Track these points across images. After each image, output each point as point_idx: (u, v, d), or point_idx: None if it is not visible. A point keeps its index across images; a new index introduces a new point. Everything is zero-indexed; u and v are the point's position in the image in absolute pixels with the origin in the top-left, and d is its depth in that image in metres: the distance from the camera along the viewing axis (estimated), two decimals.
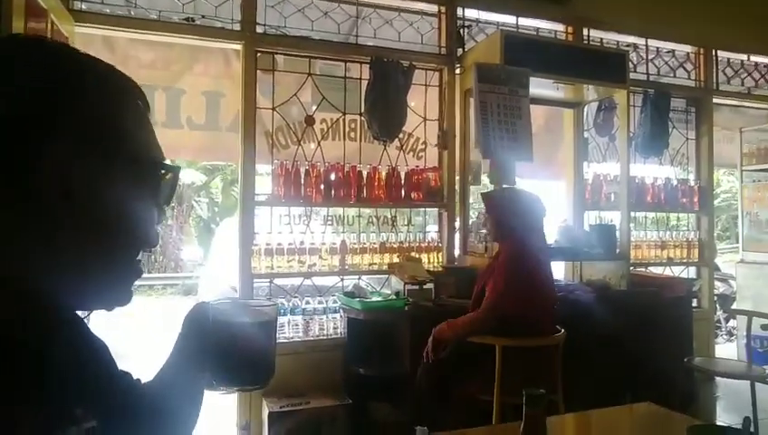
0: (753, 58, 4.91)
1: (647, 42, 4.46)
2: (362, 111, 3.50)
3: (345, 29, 3.62)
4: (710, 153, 4.61)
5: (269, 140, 3.38)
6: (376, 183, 3.50)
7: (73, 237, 0.56)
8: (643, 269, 4.21)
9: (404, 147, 3.67)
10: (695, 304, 4.28)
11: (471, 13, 3.88)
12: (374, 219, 3.60)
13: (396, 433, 2.76)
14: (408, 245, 3.57)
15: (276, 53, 3.41)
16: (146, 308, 8.56)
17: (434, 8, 3.80)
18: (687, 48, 4.65)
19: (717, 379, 3.75)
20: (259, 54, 3.33)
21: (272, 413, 2.87)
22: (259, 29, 3.34)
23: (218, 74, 3.49)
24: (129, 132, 0.61)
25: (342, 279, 3.50)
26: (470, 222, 3.72)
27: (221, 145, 3.56)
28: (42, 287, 0.55)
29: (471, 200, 3.89)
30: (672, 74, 4.61)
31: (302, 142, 3.45)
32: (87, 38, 3.00)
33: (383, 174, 3.53)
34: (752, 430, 1.32)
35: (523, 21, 4.02)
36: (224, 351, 0.79)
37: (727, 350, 5.11)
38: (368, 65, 3.46)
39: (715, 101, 4.71)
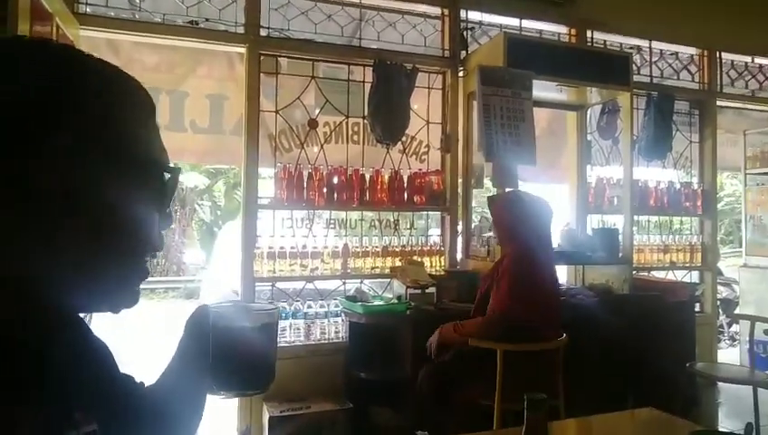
0: (758, 60, 4.89)
1: (650, 44, 4.45)
2: (365, 114, 3.50)
3: (348, 32, 3.62)
4: (713, 156, 4.60)
5: (272, 144, 3.38)
6: (378, 186, 3.50)
7: (74, 238, 0.56)
8: (646, 273, 4.20)
9: (407, 150, 3.68)
10: (697, 308, 4.26)
11: (474, 15, 3.87)
12: (376, 223, 3.61)
13: None
14: (411, 248, 3.57)
15: (280, 56, 3.42)
16: (148, 311, 8.57)
17: (437, 11, 3.80)
18: (691, 50, 4.64)
19: (720, 384, 3.73)
20: (262, 57, 3.33)
21: (272, 418, 2.87)
22: (263, 32, 3.34)
23: (222, 77, 3.50)
24: (133, 134, 0.61)
25: (344, 283, 3.50)
26: (472, 226, 3.72)
27: (224, 148, 3.57)
28: (42, 288, 0.55)
29: (474, 204, 3.89)
30: (676, 77, 4.60)
31: (305, 145, 3.45)
32: (91, 41, 3.01)
33: (386, 177, 3.53)
34: None
35: (527, 23, 4.02)
36: (223, 355, 0.79)
37: (730, 355, 5.09)
38: (371, 68, 3.46)
39: (718, 103, 4.69)
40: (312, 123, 3.47)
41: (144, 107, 0.65)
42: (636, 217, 4.08)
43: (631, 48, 4.35)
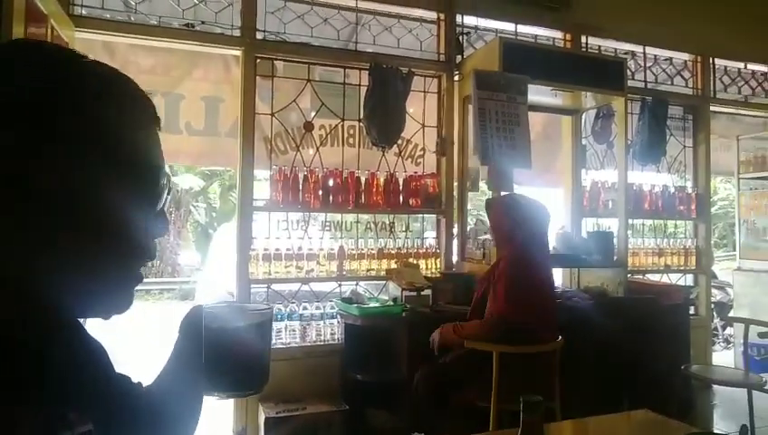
0: (751, 66, 4.93)
1: (644, 49, 4.49)
2: (361, 117, 3.50)
3: (344, 35, 3.63)
4: (707, 161, 4.63)
5: (268, 146, 3.38)
6: (374, 189, 3.51)
7: (74, 239, 0.55)
8: (640, 276, 4.22)
9: (402, 153, 3.68)
10: (692, 311, 4.28)
11: (470, 20, 3.89)
12: (372, 225, 3.60)
13: None
14: (406, 251, 3.57)
15: (276, 60, 3.42)
16: (143, 313, 8.52)
17: (433, 15, 3.82)
18: (685, 56, 4.68)
19: (714, 387, 3.74)
20: (258, 60, 3.34)
21: (268, 419, 2.86)
22: (259, 35, 3.35)
23: (218, 80, 3.50)
24: (132, 137, 0.61)
25: (340, 285, 3.50)
26: (468, 228, 3.73)
27: (220, 150, 3.57)
28: (41, 288, 0.54)
29: (469, 207, 3.89)
30: (670, 82, 4.63)
31: (300, 148, 3.45)
32: (87, 43, 3.00)
33: (381, 180, 3.53)
34: None
35: (522, 28, 4.04)
36: (216, 355, 0.78)
37: (724, 358, 5.10)
38: (367, 72, 3.47)
39: (712, 108, 4.73)
40: (308, 126, 3.47)
41: (144, 110, 0.64)
42: (630, 221, 4.10)
43: (626, 53, 4.39)
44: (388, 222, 3.63)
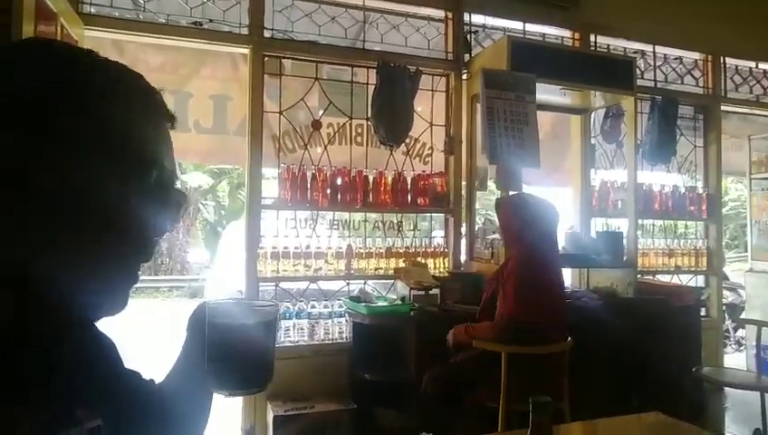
0: (762, 65, 4.88)
1: (654, 48, 4.45)
2: (369, 115, 3.50)
3: (352, 34, 3.63)
4: (718, 161, 4.58)
5: (276, 144, 3.38)
6: (382, 188, 3.50)
7: (74, 238, 0.55)
8: (650, 277, 4.18)
9: (410, 152, 3.67)
10: (703, 313, 4.24)
11: (478, 18, 3.88)
12: (380, 224, 3.59)
13: None
14: (414, 250, 3.56)
15: (283, 58, 3.42)
16: (152, 310, 8.59)
17: (441, 14, 3.80)
18: (695, 55, 4.63)
19: (726, 389, 3.70)
20: (266, 59, 3.33)
21: (276, 417, 2.86)
22: (266, 33, 3.34)
23: (226, 78, 3.50)
24: (137, 134, 0.60)
25: (348, 283, 3.49)
26: (476, 228, 3.71)
27: (228, 148, 3.57)
28: (47, 287, 0.54)
29: (477, 206, 3.87)
30: (680, 81, 4.59)
31: (308, 146, 3.45)
32: (96, 42, 3.01)
33: (389, 179, 3.52)
34: None
35: (530, 27, 4.02)
36: (219, 352, 0.76)
37: (736, 360, 5.06)
38: (374, 70, 3.47)
39: (723, 108, 4.68)
40: (316, 124, 3.46)
41: (154, 108, 0.63)
42: (640, 221, 4.06)
43: (635, 52, 4.35)
44: (396, 221, 3.62)
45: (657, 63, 4.48)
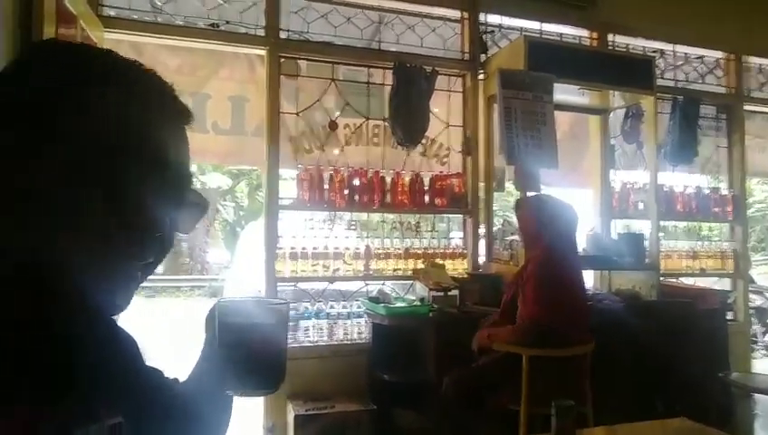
0: None
1: (674, 48, 4.38)
2: (385, 116, 3.48)
3: (368, 35, 3.62)
4: (743, 161, 4.49)
5: (293, 145, 3.38)
6: (399, 189, 3.48)
7: (81, 239, 0.54)
8: (674, 280, 4.10)
9: (427, 153, 3.65)
10: (729, 316, 4.14)
11: (494, 18, 3.85)
12: (398, 225, 3.57)
13: None
14: (433, 251, 3.53)
15: (299, 59, 3.42)
16: (173, 309, 8.69)
17: (456, 14, 3.79)
18: (717, 54, 4.55)
19: (756, 395, 3.60)
20: (282, 60, 3.34)
21: (297, 416, 2.86)
22: (282, 35, 3.35)
23: (243, 79, 3.51)
24: (152, 134, 0.59)
25: (367, 284, 3.48)
26: (495, 229, 3.68)
27: (246, 150, 3.58)
28: (63, 284, 0.53)
29: (495, 207, 3.84)
30: (701, 81, 4.51)
31: (325, 147, 3.44)
32: (115, 44, 3.03)
33: (406, 180, 3.50)
34: None
35: (547, 26, 3.98)
36: (228, 353, 0.74)
37: (766, 365, 4.93)
38: (391, 71, 3.45)
39: (746, 108, 4.59)
40: (332, 125, 3.46)
41: (173, 109, 0.62)
42: (663, 223, 3.99)
43: (654, 52, 4.27)
44: (413, 222, 3.59)
45: (678, 63, 4.41)
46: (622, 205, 4.10)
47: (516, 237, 3.29)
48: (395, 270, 3.44)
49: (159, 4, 3.20)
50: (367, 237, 3.50)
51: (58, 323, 0.55)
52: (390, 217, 3.57)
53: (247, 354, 0.74)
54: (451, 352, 2.72)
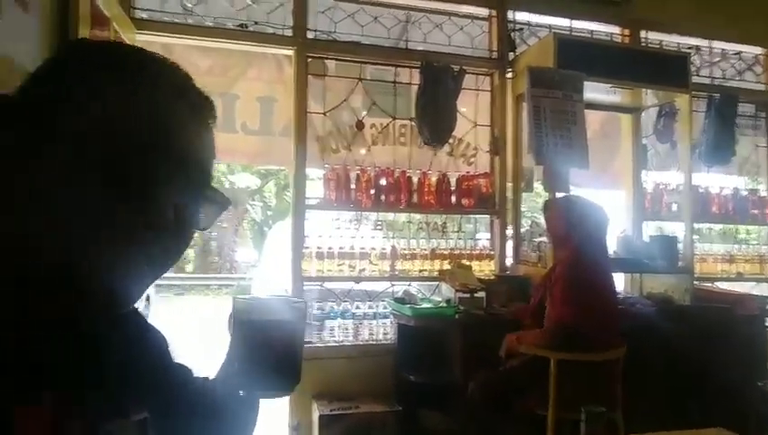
0: None
1: (710, 44, 4.25)
2: (412, 115, 3.46)
3: (395, 34, 3.61)
4: None
5: (320, 145, 3.39)
6: (426, 189, 3.46)
7: (116, 236, 0.53)
8: (709, 284, 3.98)
9: (454, 152, 3.62)
10: None
11: (522, 16, 3.80)
12: (424, 225, 3.55)
13: None
14: (459, 252, 3.50)
15: (327, 59, 3.43)
16: (203, 307, 8.84)
17: (484, 12, 3.74)
18: (756, 50, 4.40)
19: None
20: (310, 60, 3.35)
21: (322, 416, 2.87)
22: (310, 35, 3.37)
23: (271, 80, 3.54)
24: (177, 132, 0.58)
25: (393, 285, 3.47)
26: (523, 230, 3.63)
27: (274, 150, 3.61)
28: (96, 280, 0.53)
29: (524, 208, 3.79)
30: (739, 78, 4.36)
31: (352, 147, 3.44)
32: (147, 45, 3.09)
33: (433, 180, 3.48)
34: None
35: (577, 24, 3.91)
36: (241, 352, 0.73)
37: None
38: (417, 70, 3.43)
39: None
40: (359, 125, 3.46)
41: (198, 108, 0.61)
42: (697, 225, 3.87)
43: (690, 48, 4.15)
44: (440, 222, 3.57)
45: (714, 59, 4.28)
46: (655, 206, 3.99)
47: (544, 239, 3.24)
48: (421, 271, 3.42)
49: (190, 5, 3.25)
50: (393, 238, 3.50)
51: (86, 320, 0.56)
52: (417, 217, 3.55)
53: (261, 355, 0.72)
54: (477, 354, 2.69)
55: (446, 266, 3.38)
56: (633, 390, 2.54)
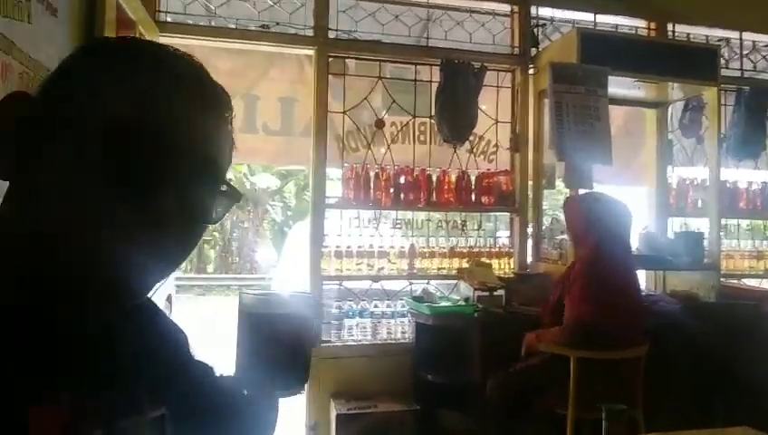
0: None
1: (740, 35, 4.13)
2: (432, 113, 3.46)
3: (416, 32, 3.61)
4: None
5: (340, 144, 3.42)
6: (446, 187, 3.46)
7: (130, 230, 0.53)
8: (735, 281, 3.89)
9: (474, 150, 3.60)
10: None
11: (545, 11, 3.75)
12: (444, 223, 3.55)
13: None
14: (479, 250, 3.49)
15: (348, 58, 3.45)
16: (224, 307, 8.95)
17: (506, 8, 3.71)
18: None
19: None
20: (331, 59, 3.37)
21: (339, 415, 2.89)
22: (331, 34, 3.38)
23: (292, 80, 3.57)
24: (192, 129, 0.57)
25: (411, 283, 3.48)
26: (543, 228, 3.60)
27: (295, 150, 3.64)
28: (111, 275, 0.53)
29: (545, 206, 3.75)
30: None
31: (372, 146, 3.46)
32: None
33: (453, 177, 3.47)
34: None
35: (601, 18, 3.84)
36: (247, 348, 0.71)
37: None
38: (438, 68, 3.43)
39: None
40: (379, 123, 3.47)
41: (215, 105, 0.61)
42: (724, 221, 3.78)
43: (719, 40, 4.05)
44: (459, 220, 3.56)
45: (744, 52, 4.16)
46: (680, 202, 3.92)
47: (565, 236, 3.21)
48: (439, 269, 3.42)
49: (213, 7, 3.30)
50: (412, 236, 3.50)
51: (97, 313, 0.56)
52: (436, 215, 3.55)
53: (264, 347, 0.69)
54: (496, 353, 2.69)
55: (466, 265, 3.38)
56: (658, 387, 2.52)
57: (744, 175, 4.09)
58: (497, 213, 3.69)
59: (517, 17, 3.69)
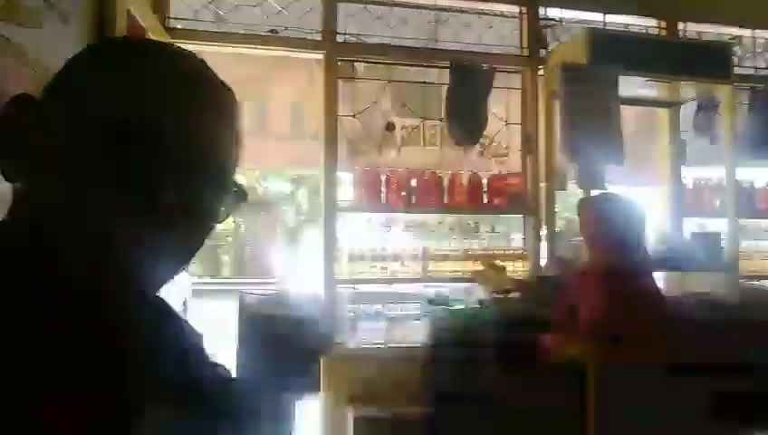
0: None
1: (753, 33, 4.09)
2: (442, 116, 3.45)
3: (424, 34, 3.60)
4: None
5: (350, 148, 3.41)
6: (457, 189, 3.44)
7: (136, 229, 0.53)
8: (755, 282, 3.82)
9: (486, 152, 3.58)
10: None
11: (554, 12, 3.73)
12: (456, 226, 3.53)
13: None
14: (492, 252, 3.46)
15: (356, 61, 3.45)
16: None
17: (515, 9, 3.70)
18: None
19: None
20: (340, 63, 3.37)
21: (356, 420, 2.88)
22: (339, 38, 3.39)
23: (302, 84, 3.58)
24: (193, 128, 0.57)
25: (425, 286, 3.46)
26: (557, 230, 3.56)
27: (306, 154, 3.65)
28: (123, 275, 0.53)
29: (558, 207, 3.72)
30: None
31: (382, 149, 3.45)
32: None
33: (464, 180, 3.46)
34: None
35: (611, 18, 3.82)
36: (246, 349, 0.71)
37: None
38: (447, 70, 3.42)
39: None
40: (390, 126, 3.46)
41: (218, 104, 0.61)
42: (742, 222, 3.73)
43: (732, 38, 4.01)
44: (472, 223, 3.54)
45: (758, 49, 4.11)
46: (695, 203, 3.87)
47: (579, 239, 3.17)
48: (453, 272, 3.40)
49: (222, 13, 3.31)
50: (424, 239, 3.48)
51: (108, 311, 0.56)
52: (448, 218, 3.53)
53: (265, 349, 0.68)
54: (515, 356, 2.65)
55: (479, 267, 3.35)
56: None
57: (762, 174, 4.02)
58: (510, 215, 3.66)
59: (526, 18, 3.68)
